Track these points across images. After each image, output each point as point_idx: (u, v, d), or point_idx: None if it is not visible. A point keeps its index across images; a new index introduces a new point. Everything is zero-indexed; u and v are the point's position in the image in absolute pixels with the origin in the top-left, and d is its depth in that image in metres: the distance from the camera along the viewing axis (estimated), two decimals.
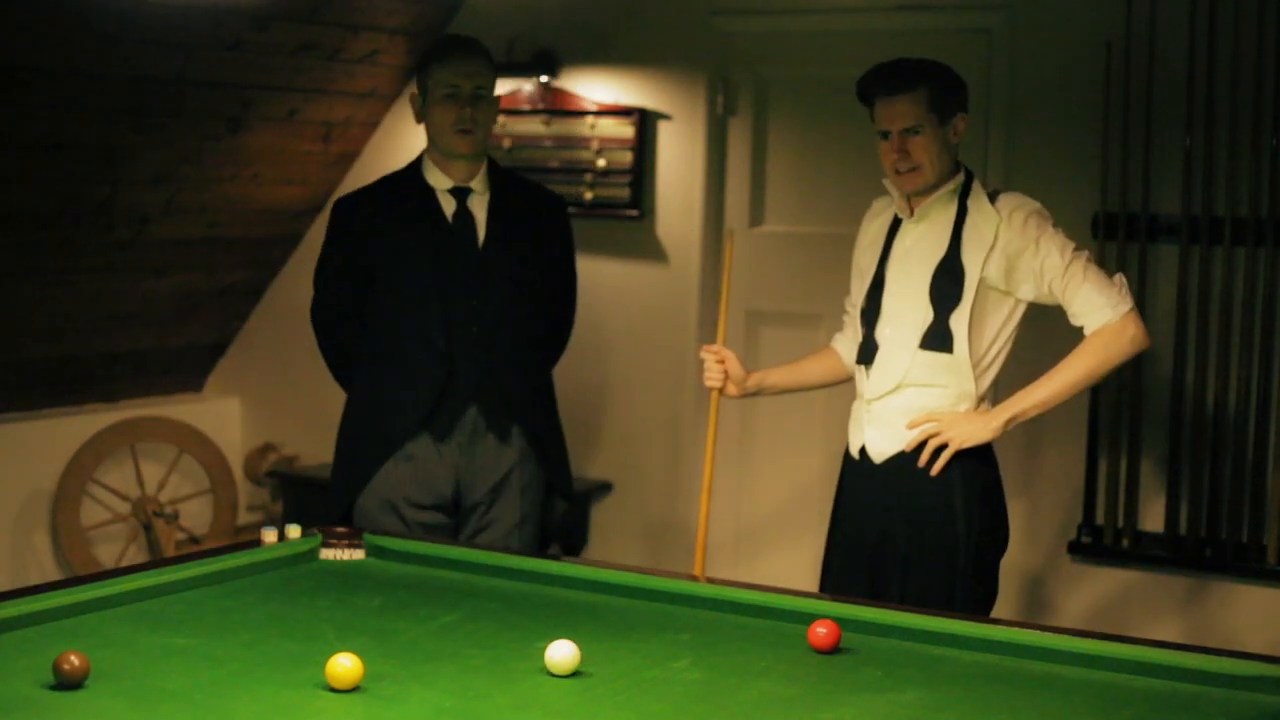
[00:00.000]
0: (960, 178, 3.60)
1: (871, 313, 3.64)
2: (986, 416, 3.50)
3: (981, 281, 3.51)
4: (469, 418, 4.05)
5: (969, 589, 3.51)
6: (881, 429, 3.61)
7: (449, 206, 4.06)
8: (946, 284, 3.52)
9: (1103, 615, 4.85)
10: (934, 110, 3.52)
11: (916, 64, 3.59)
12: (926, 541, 3.54)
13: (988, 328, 3.55)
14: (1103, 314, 3.48)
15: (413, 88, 4.14)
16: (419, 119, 4.09)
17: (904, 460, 3.57)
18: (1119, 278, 3.54)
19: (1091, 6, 4.83)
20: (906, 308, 3.57)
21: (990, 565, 3.60)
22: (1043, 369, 4.64)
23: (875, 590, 3.58)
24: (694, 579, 3.25)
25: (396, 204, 4.08)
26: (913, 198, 3.61)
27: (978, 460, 3.54)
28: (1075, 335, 4.88)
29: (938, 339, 3.52)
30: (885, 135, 3.56)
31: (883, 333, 3.60)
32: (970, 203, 3.57)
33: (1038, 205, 3.59)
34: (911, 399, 3.56)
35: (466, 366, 4.03)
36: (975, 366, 3.53)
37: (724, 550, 5.47)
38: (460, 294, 4.03)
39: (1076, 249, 3.53)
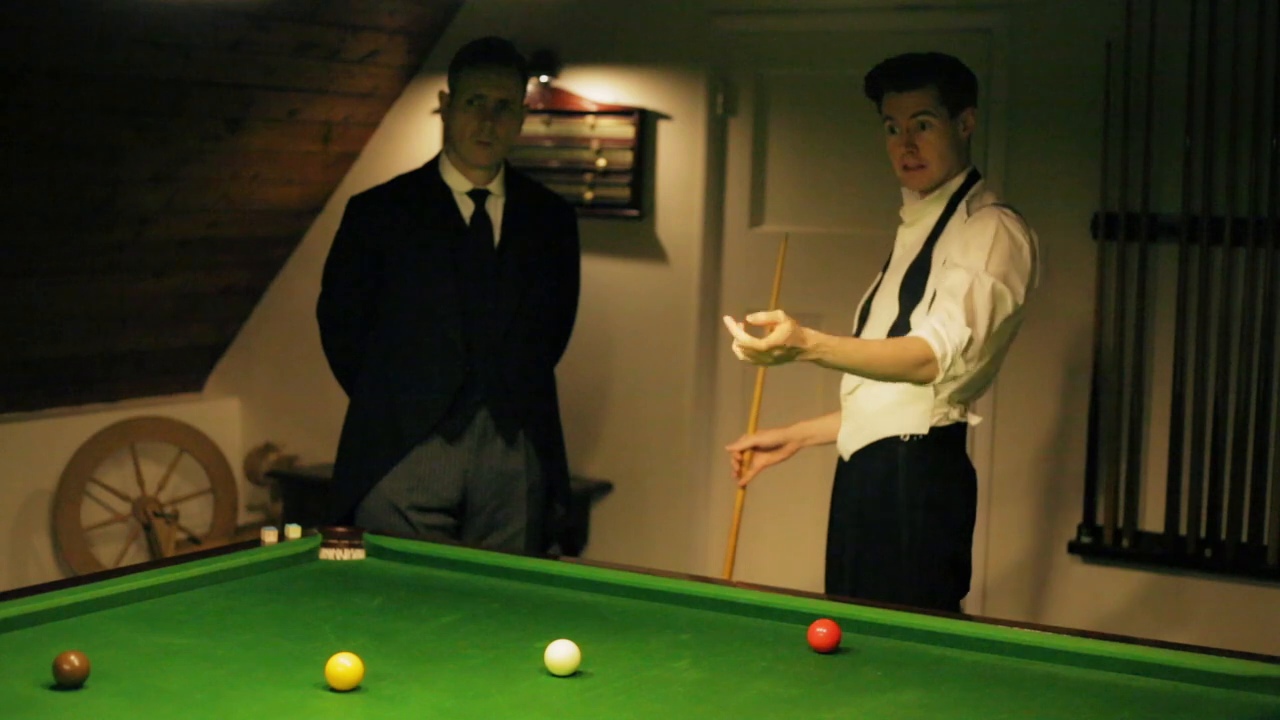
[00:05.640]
0: (961, 179, 3.53)
1: (864, 314, 3.62)
2: (791, 333, 3.12)
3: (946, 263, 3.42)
4: (479, 420, 4.04)
5: (915, 589, 3.43)
6: (849, 424, 3.59)
7: (466, 208, 4.05)
8: (914, 282, 3.47)
9: (1103, 615, 4.85)
10: (944, 104, 3.47)
11: (927, 59, 3.52)
12: (872, 538, 3.51)
13: None
14: (935, 334, 3.27)
15: (441, 84, 4.12)
16: (444, 116, 4.08)
17: (862, 456, 3.54)
18: (973, 334, 3.28)
19: (1091, 6, 4.83)
20: (883, 307, 3.54)
21: (937, 566, 3.49)
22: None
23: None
24: (694, 579, 3.24)
25: (413, 204, 4.06)
26: (910, 193, 3.57)
27: (925, 458, 3.47)
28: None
29: (898, 335, 3.45)
30: (893, 130, 3.51)
31: (865, 333, 3.59)
32: (960, 204, 3.50)
33: (1008, 226, 3.39)
34: (874, 394, 3.51)
35: (482, 369, 4.02)
36: None
37: (724, 549, 5.46)
38: (476, 296, 4.02)
39: (992, 277, 3.31)
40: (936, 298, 3.36)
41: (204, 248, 5.83)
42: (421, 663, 2.66)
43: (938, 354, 3.25)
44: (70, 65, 4.85)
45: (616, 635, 2.85)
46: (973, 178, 3.56)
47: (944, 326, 3.28)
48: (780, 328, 3.05)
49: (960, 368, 3.30)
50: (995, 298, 3.33)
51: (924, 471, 3.46)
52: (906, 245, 3.57)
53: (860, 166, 5.23)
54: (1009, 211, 3.47)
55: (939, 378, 3.29)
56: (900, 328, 3.44)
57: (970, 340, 3.28)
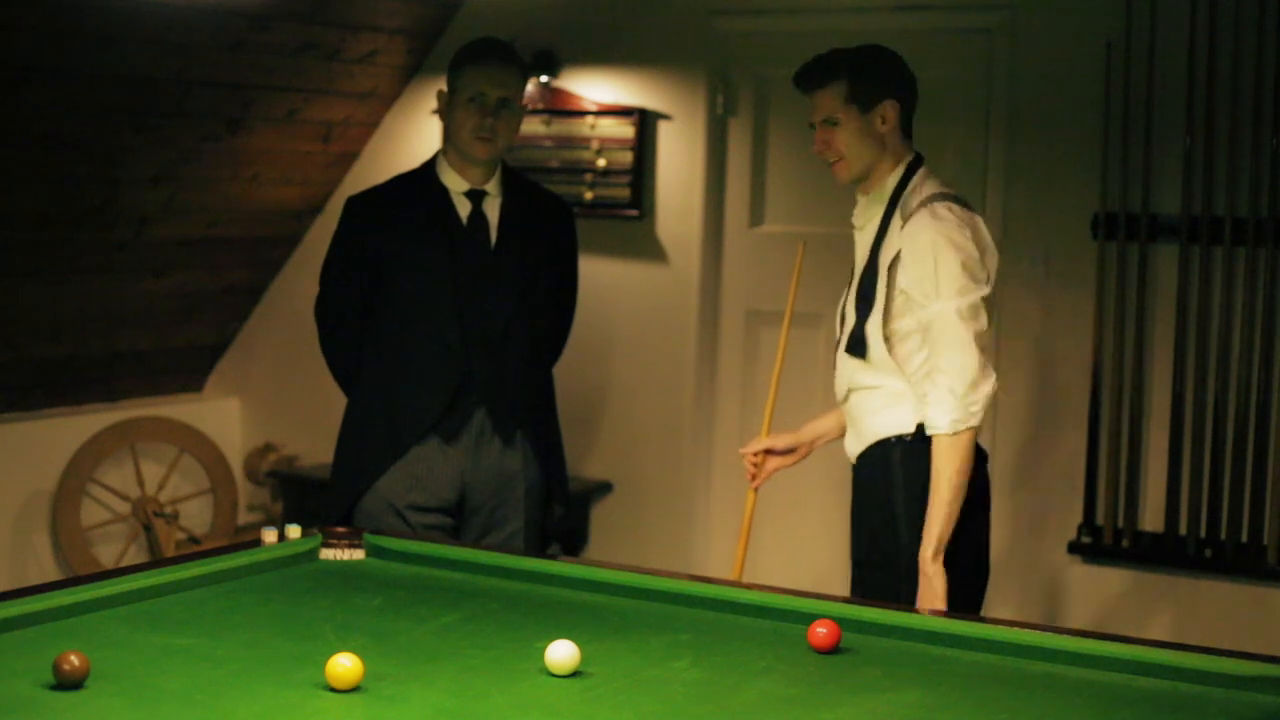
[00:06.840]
0: (898, 174, 3.50)
1: (842, 319, 3.61)
2: (925, 569, 3.37)
3: (901, 291, 3.42)
4: (476, 420, 4.04)
5: (914, 595, 3.42)
6: (850, 430, 3.62)
7: (463, 208, 4.05)
8: (866, 288, 3.48)
9: (1103, 615, 4.85)
10: (853, 101, 3.49)
11: (831, 57, 3.56)
12: (872, 543, 3.52)
13: (914, 336, 3.44)
14: (939, 419, 3.35)
15: (440, 84, 4.13)
16: (442, 116, 4.09)
17: (863, 460, 3.56)
18: (985, 388, 3.35)
19: (1091, 6, 4.84)
20: (845, 314, 3.56)
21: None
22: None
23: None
24: (694, 579, 3.24)
25: (411, 204, 4.06)
26: (858, 196, 3.57)
27: (921, 455, 3.45)
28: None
29: (857, 345, 3.48)
30: (813, 127, 3.56)
31: (841, 338, 3.59)
32: (899, 204, 3.47)
33: (947, 236, 3.36)
34: (860, 401, 3.53)
35: (479, 369, 4.02)
36: (914, 372, 3.44)
37: (725, 550, 5.47)
38: (472, 296, 4.02)
39: (954, 304, 3.33)
40: (934, 385, 3.37)
41: (204, 248, 5.83)
42: (421, 663, 2.66)
43: (946, 432, 3.33)
44: (70, 65, 4.86)
45: (616, 635, 2.85)
46: (911, 169, 3.52)
47: (934, 410, 3.35)
48: (934, 587, 3.32)
49: (979, 401, 3.35)
50: (971, 317, 3.35)
51: (920, 468, 3.46)
52: (861, 250, 3.57)
53: None
54: (942, 210, 3.41)
55: (972, 421, 3.35)
56: (857, 337, 3.48)
57: (961, 388, 3.32)
